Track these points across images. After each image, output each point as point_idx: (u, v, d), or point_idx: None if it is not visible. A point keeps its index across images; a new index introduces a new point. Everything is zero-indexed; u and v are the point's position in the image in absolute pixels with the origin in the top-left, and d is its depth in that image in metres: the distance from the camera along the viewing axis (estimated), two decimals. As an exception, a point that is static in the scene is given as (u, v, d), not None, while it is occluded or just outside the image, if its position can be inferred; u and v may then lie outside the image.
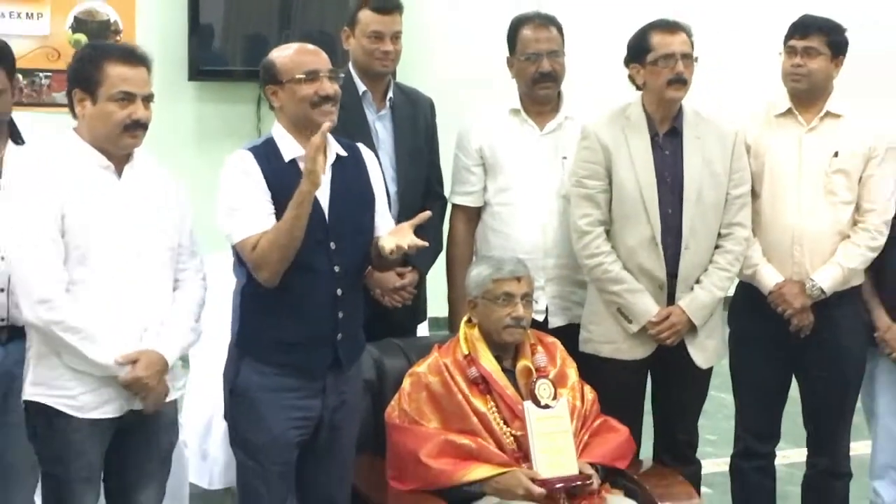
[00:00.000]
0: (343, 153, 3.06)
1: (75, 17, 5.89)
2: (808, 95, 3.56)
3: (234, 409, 3.06)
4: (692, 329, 3.45)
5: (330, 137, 3.01)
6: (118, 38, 5.82)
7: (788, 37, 3.58)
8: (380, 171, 3.19)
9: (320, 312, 2.98)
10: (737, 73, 6.78)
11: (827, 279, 3.48)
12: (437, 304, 3.85)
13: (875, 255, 3.53)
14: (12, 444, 3.06)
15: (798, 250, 3.52)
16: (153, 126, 2.86)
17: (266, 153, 2.98)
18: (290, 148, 2.98)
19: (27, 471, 3.08)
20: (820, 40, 3.52)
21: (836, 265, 3.49)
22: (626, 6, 6.09)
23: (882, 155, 3.54)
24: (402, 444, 3.17)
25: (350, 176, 3.06)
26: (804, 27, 3.55)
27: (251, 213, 2.91)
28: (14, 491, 3.16)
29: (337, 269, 2.98)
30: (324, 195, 2.97)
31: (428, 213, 3.07)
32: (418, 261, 3.51)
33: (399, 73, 3.80)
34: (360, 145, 3.18)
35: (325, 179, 2.98)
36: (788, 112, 3.59)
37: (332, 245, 2.97)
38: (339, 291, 3.00)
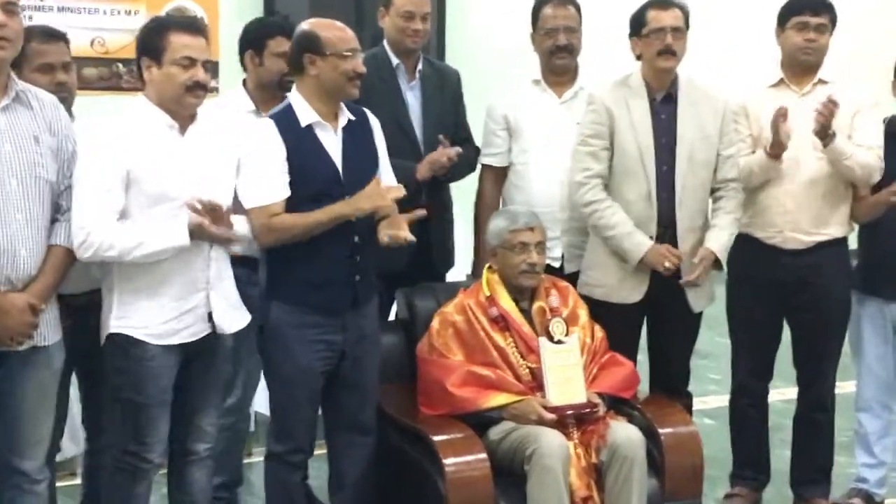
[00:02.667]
0: (352, 117, 3.30)
1: (167, 13, 6.15)
2: (811, 68, 3.77)
3: (269, 346, 3.30)
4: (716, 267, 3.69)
5: (342, 104, 3.28)
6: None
7: (796, 13, 3.73)
8: (381, 132, 3.41)
9: (340, 258, 3.22)
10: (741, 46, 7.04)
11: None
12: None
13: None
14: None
15: (791, 203, 3.75)
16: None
17: (286, 119, 3.21)
18: (306, 114, 3.21)
19: None
20: (827, 17, 3.74)
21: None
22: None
23: (867, 109, 3.74)
24: (431, 375, 3.44)
25: (358, 137, 3.31)
26: (815, 4, 3.73)
27: (268, 183, 3.15)
28: None
29: (353, 219, 3.21)
30: (336, 154, 3.23)
31: (423, 212, 3.35)
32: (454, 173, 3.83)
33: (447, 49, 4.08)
34: (366, 110, 3.39)
35: (338, 140, 3.25)
36: (780, 82, 3.82)
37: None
38: (356, 239, 3.24)
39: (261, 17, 5.13)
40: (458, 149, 3.76)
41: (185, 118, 3.05)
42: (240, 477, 3.87)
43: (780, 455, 4.16)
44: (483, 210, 4.01)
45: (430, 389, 3.46)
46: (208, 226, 2.99)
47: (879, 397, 3.98)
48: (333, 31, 3.24)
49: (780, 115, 3.59)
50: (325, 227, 3.16)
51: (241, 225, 3.14)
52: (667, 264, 3.60)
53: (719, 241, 3.69)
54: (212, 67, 3.12)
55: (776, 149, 3.65)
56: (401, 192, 3.25)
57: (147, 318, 3.01)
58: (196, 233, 2.98)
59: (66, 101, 3.17)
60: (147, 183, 2.96)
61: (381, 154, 3.40)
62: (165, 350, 3.03)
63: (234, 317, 3.19)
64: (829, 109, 3.54)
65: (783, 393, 4.45)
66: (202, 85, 3.01)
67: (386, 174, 3.39)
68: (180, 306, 3.04)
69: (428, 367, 3.49)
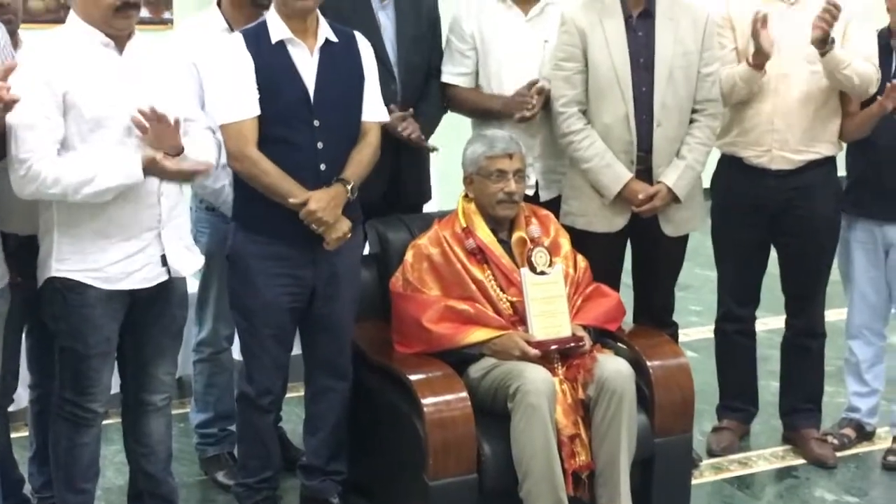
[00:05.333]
0: (334, 38, 3.07)
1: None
2: None
3: (232, 276, 3.14)
4: (675, 201, 3.47)
5: (322, 21, 3.05)
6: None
7: None
8: (374, 59, 3.19)
9: (304, 185, 3.00)
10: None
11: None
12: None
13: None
14: None
15: (780, 120, 3.55)
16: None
17: (256, 35, 3.02)
18: (278, 30, 3.01)
19: None
20: None
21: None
22: None
23: (860, 19, 3.52)
24: (406, 310, 3.21)
25: (339, 59, 3.07)
26: None
27: (237, 98, 2.96)
28: None
29: (320, 145, 3.01)
30: (309, 76, 3.01)
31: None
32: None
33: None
34: (358, 34, 3.17)
35: (313, 61, 3.02)
36: None
37: (316, 123, 3.01)
38: (322, 166, 3.03)
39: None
40: (433, 145, 3.52)
41: (122, 37, 2.78)
42: (233, 411, 3.61)
43: (767, 386, 4.02)
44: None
45: (405, 326, 3.23)
46: (161, 159, 2.73)
47: (871, 324, 3.82)
48: None
49: (759, 21, 3.37)
50: (281, 199, 2.97)
51: (200, 152, 2.87)
52: (640, 197, 3.41)
53: (679, 175, 3.44)
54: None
55: (759, 57, 3.44)
56: (347, 233, 3.05)
57: (93, 261, 2.77)
58: (149, 169, 2.72)
59: (12, 25, 2.93)
60: (86, 107, 2.69)
61: (368, 81, 3.15)
62: (110, 296, 2.79)
63: (188, 259, 2.96)
64: (830, 14, 3.33)
65: (766, 323, 4.28)
66: (132, 3, 2.73)
67: (370, 103, 3.15)
68: (129, 248, 2.80)
69: (402, 302, 3.25)
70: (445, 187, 3.90)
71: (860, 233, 3.73)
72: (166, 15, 5.96)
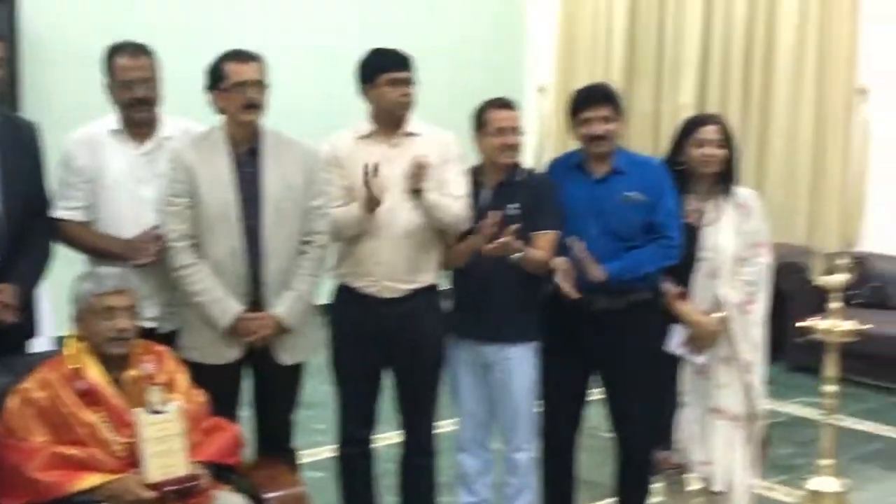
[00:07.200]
0: None
1: None
2: (401, 119, 3.75)
3: None
4: (284, 331, 3.55)
5: None
6: None
7: (387, 70, 3.68)
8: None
9: None
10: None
11: None
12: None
13: None
14: None
15: (387, 253, 3.72)
16: None
17: None
18: None
19: None
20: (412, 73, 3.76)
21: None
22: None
23: (454, 160, 3.77)
24: (8, 460, 2.99)
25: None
26: (403, 61, 3.73)
27: None
28: None
29: None
30: None
31: None
32: (19, 277, 3.39)
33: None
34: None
35: None
36: (371, 133, 3.77)
37: None
38: None
39: None
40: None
41: None
42: None
43: (389, 502, 4.11)
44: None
45: (8, 477, 3.00)
46: None
47: (477, 437, 4.02)
48: None
49: (371, 171, 3.56)
50: None
51: None
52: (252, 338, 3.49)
53: (289, 306, 3.55)
54: None
55: (371, 203, 3.62)
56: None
57: None
58: None
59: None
60: None
61: None
62: None
63: None
64: (418, 171, 3.60)
65: (389, 438, 4.41)
66: None
67: None
68: None
69: (3, 452, 3.03)
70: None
71: (463, 353, 3.93)
72: None
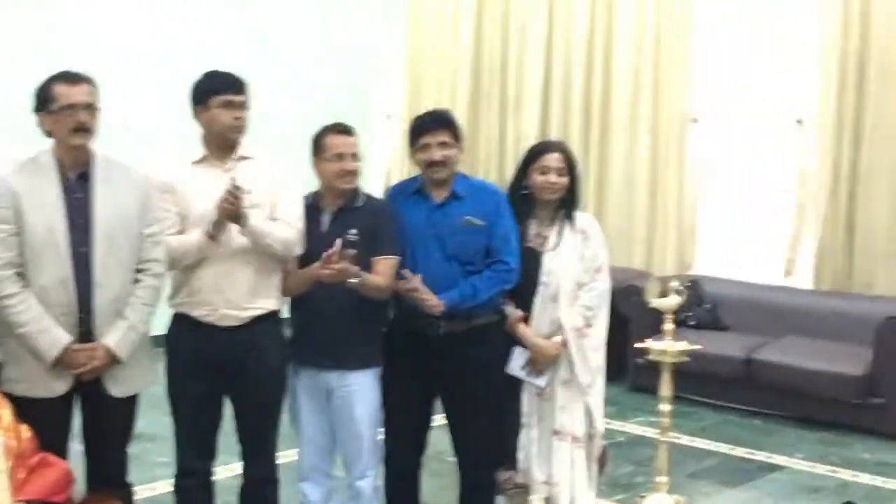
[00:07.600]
0: None
1: None
2: (235, 143, 3.69)
3: None
4: (116, 362, 3.44)
5: None
6: None
7: (218, 92, 3.62)
8: None
9: None
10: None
11: None
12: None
13: None
14: None
15: (224, 281, 3.66)
16: None
17: None
18: None
19: None
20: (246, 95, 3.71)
21: None
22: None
23: (288, 184, 3.72)
24: None
25: None
26: (236, 83, 3.67)
27: None
28: None
29: None
30: None
31: None
32: None
33: None
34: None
35: None
36: (205, 158, 3.71)
37: None
38: None
39: None
40: None
41: None
42: None
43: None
44: None
45: None
46: None
47: (319, 465, 3.98)
48: None
49: (234, 190, 3.49)
50: None
51: None
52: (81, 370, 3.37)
53: (121, 336, 3.44)
54: None
55: (217, 229, 3.56)
56: None
57: None
58: None
59: None
60: None
61: None
62: None
63: None
64: (233, 197, 3.50)
65: (232, 468, 4.32)
66: None
67: None
68: None
69: None
70: None
71: (304, 380, 3.89)
72: None
